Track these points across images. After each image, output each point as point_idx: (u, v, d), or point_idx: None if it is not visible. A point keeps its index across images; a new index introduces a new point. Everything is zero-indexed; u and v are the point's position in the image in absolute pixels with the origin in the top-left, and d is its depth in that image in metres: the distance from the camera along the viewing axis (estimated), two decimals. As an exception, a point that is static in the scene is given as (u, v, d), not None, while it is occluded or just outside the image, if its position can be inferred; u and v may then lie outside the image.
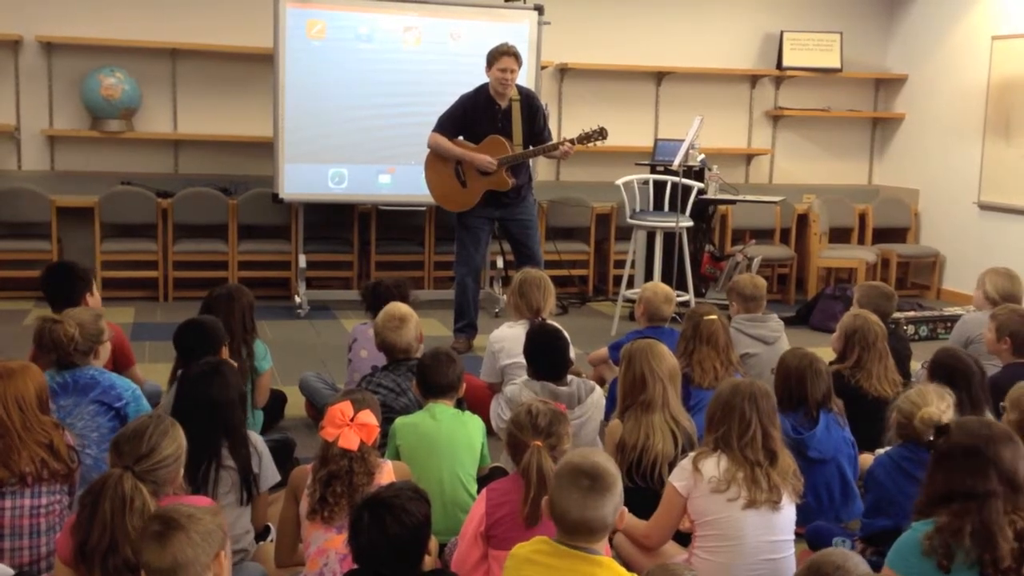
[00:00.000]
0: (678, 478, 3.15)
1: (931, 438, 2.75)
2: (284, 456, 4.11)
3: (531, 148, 6.35)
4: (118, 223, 7.78)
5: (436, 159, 6.50)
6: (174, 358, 4.00)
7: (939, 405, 3.27)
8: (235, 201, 7.93)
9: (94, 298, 4.53)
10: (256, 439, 3.38)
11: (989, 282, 5.29)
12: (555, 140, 6.50)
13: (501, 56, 6.22)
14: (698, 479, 3.08)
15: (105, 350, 3.83)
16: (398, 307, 4.28)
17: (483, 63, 6.33)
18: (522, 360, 4.67)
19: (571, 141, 6.40)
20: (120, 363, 4.31)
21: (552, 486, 2.58)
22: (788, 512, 3.10)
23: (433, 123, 6.48)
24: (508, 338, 4.74)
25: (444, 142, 6.39)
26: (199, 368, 3.40)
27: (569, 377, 4.07)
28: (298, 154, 7.48)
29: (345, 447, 3.00)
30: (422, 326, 4.38)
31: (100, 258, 7.56)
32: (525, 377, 4.14)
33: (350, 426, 3.02)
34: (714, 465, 3.08)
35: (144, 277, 7.82)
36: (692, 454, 3.18)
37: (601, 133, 6.42)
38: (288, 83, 7.37)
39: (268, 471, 3.36)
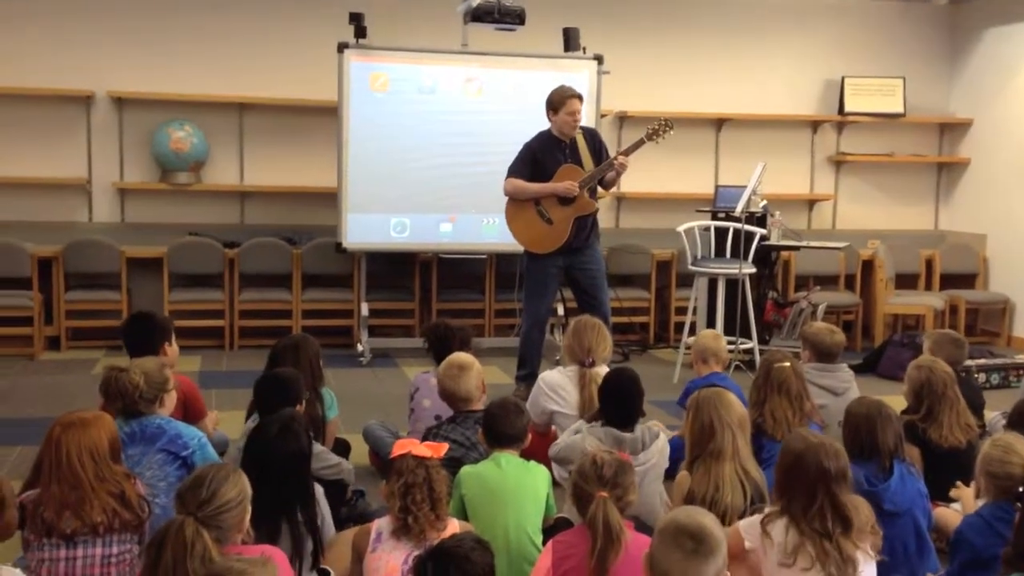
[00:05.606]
0: (749, 538, 3.05)
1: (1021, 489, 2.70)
2: (339, 493, 4.11)
3: (602, 164, 6.25)
4: (186, 273, 7.92)
5: (515, 207, 6.39)
6: (247, 409, 4.01)
7: None
8: (299, 251, 8.04)
9: (172, 348, 4.59)
10: (318, 494, 3.38)
11: None
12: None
13: (568, 99, 6.19)
14: (767, 544, 2.98)
15: (171, 399, 3.86)
16: (459, 356, 4.35)
17: (544, 113, 6.34)
18: (566, 411, 4.68)
19: (623, 152, 6.31)
20: (191, 415, 4.35)
21: (654, 542, 2.52)
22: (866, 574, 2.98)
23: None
24: (552, 384, 4.85)
25: (520, 183, 6.29)
26: (271, 425, 3.35)
27: None
28: (361, 204, 7.58)
29: (419, 455, 3.10)
30: (484, 375, 4.39)
31: (168, 307, 7.65)
32: (579, 424, 4.12)
33: (419, 444, 3.19)
34: (782, 531, 2.96)
35: (210, 326, 7.94)
36: (760, 515, 3.08)
37: (667, 124, 6.33)
38: (352, 135, 7.49)
39: (327, 524, 3.37)
